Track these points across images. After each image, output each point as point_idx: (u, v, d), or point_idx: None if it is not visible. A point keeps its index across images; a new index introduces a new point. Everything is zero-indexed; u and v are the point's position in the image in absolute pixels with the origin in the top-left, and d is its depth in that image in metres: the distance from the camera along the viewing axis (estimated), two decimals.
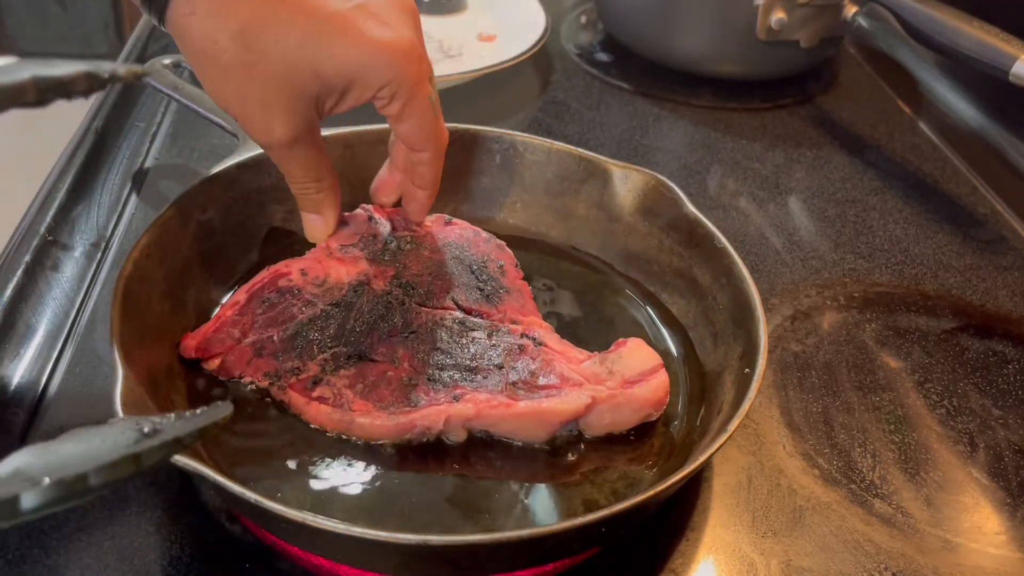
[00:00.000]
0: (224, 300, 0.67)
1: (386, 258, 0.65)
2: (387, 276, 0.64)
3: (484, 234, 0.69)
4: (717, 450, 0.52)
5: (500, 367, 0.59)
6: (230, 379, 0.60)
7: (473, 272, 0.66)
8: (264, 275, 0.63)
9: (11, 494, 0.32)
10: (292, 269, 0.63)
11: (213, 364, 0.60)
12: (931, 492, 0.62)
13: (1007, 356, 0.74)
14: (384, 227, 0.68)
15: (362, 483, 0.55)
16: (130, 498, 0.56)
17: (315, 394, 0.57)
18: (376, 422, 0.56)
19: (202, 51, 0.54)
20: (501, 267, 0.67)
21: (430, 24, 1.15)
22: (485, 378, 0.58)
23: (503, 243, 0.69)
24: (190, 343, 0.60)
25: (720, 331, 0.64)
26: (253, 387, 0.59)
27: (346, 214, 0.69)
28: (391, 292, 0.62)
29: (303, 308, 0.61)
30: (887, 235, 0.88)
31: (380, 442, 0.56)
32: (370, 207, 0.69)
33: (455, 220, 0.70)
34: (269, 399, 0.59)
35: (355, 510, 0.53)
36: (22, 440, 0.59)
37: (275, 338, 0.60)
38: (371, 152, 0.75)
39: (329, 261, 0.64)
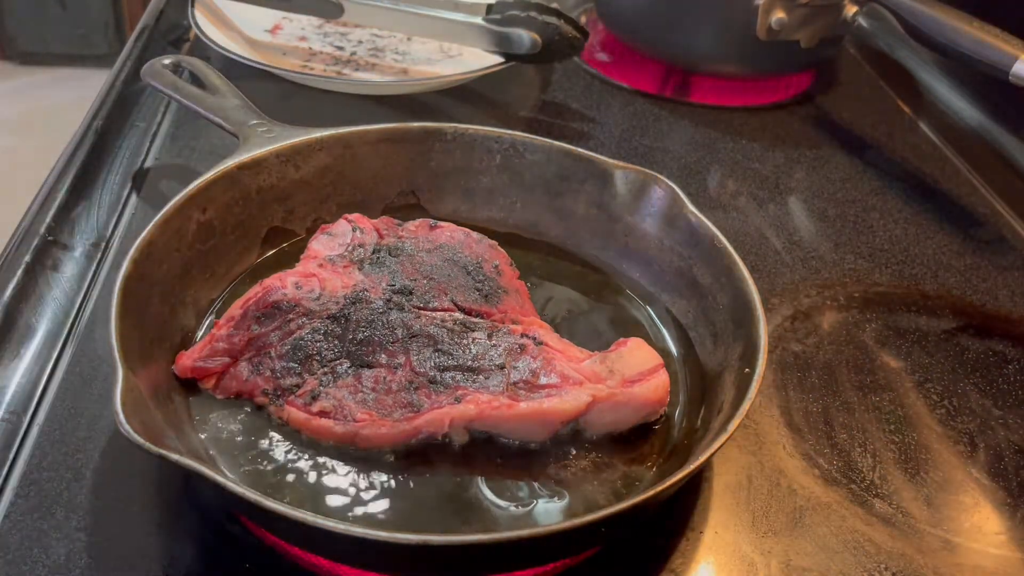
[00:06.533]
0: (223, 299, 0.67)
1: (377, 266, 0.65)
2: (382, 284, 0.63)
3: (475, 235, 0.69)
4: (717, 450, 0.52)
5: (501, 367, 0.59)
6: (228, 398, 0.59)
7: (469, 273, 0.66)
8: (257, 290, 0.62)
9: None
10: (285, 282, 0.62)
11: (209, 384, 0.59)
12: (931, 492, 0.62)
13: (1007, 356, 0.74)
14: (370, 236, 0.68)
15: (362, 483, 0.55)
16: (130, 498, 0.56)
17: (316, 408, 0.57)
18: (381, 431, 0.56)
19: None
20: (497, 267, 0.67)
21: None
22: (487, 378, 0.58)
23: (495, 243, 0.69)
24: (186, 363, 0.59)
25: (720, 331, 0.64)
26: (250, 408, 0.59)
27: (330, 225, 0.69)
28: (389, 299, 0.62)
29: (300, 322, 0.60)
30: (887, 235, 0.88)
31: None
32: (353, 218, 0.69)
33: (440, 223, 0.70)
34: (268, 417, 0.58)
35: (355, 510, 0.53)
36: (22, 440, 0.59)
37: (272, 354, 0.59)
38: (371, 152, 0.75)
39: (321, 273, 0.64)
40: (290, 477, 0.54)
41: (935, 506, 0.61)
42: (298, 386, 0.58)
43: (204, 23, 1.00)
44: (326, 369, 0.59)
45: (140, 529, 0.54)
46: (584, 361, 0.60)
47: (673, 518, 0.58)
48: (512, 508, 0.54)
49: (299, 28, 1.11)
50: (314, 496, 0.54)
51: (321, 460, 0.56)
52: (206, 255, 0.66)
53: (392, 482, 0.55)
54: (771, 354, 0.71)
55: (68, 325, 0.68)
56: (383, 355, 0.59)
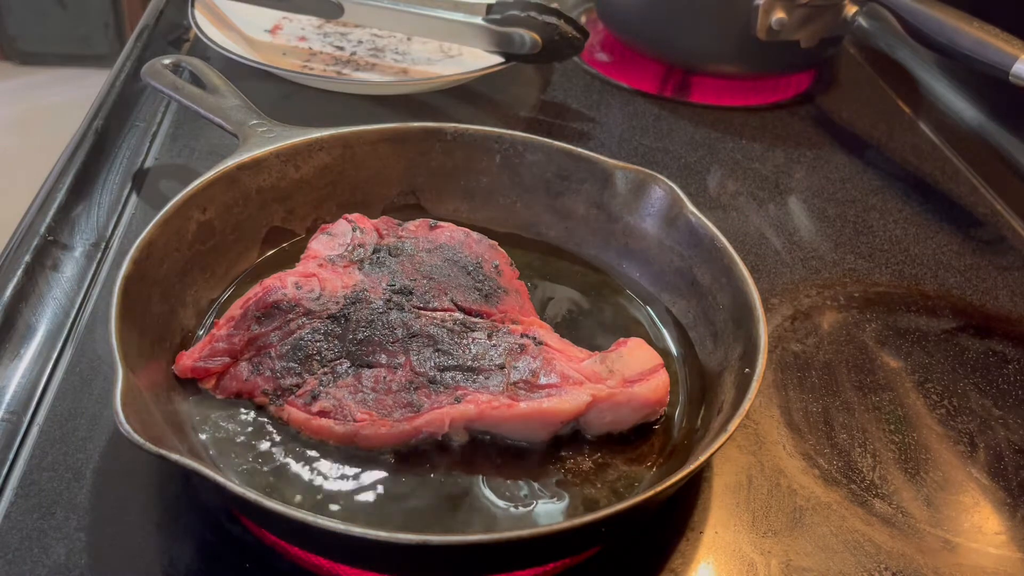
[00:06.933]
0: (223, 299, 0.67)
1: (377, 266, 0.65)
2: (382, 284, 0.63)
3: (475, 235, 0.69)
4: (717, 450, 0.52)
5: (501, 367, 0.59)
6: (228, 398, 0.59)
7: (469, 273, 0.66)
8: (257, 290, 0.62)
9: None
10: (285, 282, 0.62)
11: (210, 384, 0.59)
12: (931, 492, 0.62)
13: (1007, 356, 0.74)
14: (370, 236, 0.68)
15: (362, 483, 0.55)
16: (130, 498, 0.56)
17: (315, 408, 0.57)
18: (381, 431, 0.56)
19: None
20: (497, 267, 0.67)
21: None
22: (487, 378, 0.58)
23: (495, 243, 0.69)
24: (186, 363, 0.59)
25: (720, 331, 0.64)
26: (250, 408, 0.58)
27: (330, 225, 0.69)
28: (390, 299, 0.62)
29: (300, 322, 0.60)
30: (887, 235, 0.88)
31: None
32: (353, 218, 0.69)
33: (440, 223, 0.70)
34: (268, 417, 0.58)
35: (355, 510, 0.53)
36: (22, 440, 0.59)
37: (272, 354, 0.59)
38: (371, 152, 0.75)
39: (321, 273, 0.64)
40: (290, 477, 0.54)
41: (935, 506, 0.61)
42: (298, 386, 0.58)
43: (204, 23, 1.00)
44: (326, 369, 0.59)
45: (140, 529, 0.54)
46: (584, 361, 0.60)
47: (673, 518, 0.58)
48: (512, 508, 0.54)
49: (299, 28, 1.11)
50: (314, 496, 0.54)
51: (321, 460, 0.56)
52: (206, 255, 0.66)
53: (392, 482, 0.55)
54: (771, 354, 0.71)
55: (68, 325, 0.68)
56: (383, 355, 0.59)
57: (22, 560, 0.52)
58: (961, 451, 0.65)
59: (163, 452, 0.46)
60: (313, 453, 0.56)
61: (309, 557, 0.52)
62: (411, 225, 0.70)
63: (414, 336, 0.60)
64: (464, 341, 0.60)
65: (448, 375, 0.58)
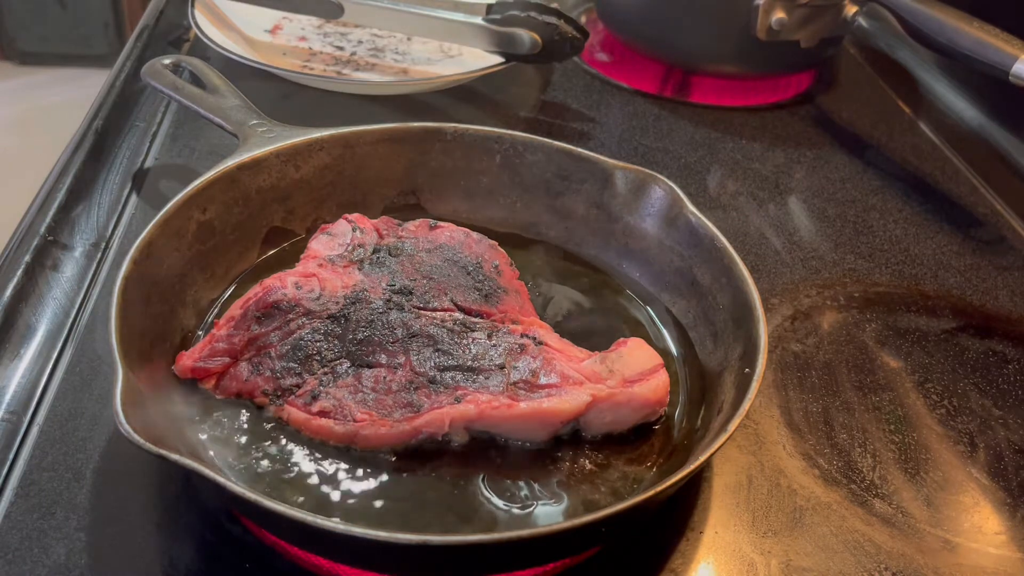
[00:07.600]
0: (223, 299, 0.67)
1: (377, 266, 0.65)
2: (381, 284, 0.63)
3: (475, 235, 0.69)
4: (717, 450, 0.52)
5: (501, 367, 0.59)
6: (228, 398, 0.59)
7: (469, 273, 0.66)
8: (257, 290, 0.62)
9: None
10: (285, 282, 0.62)
11: (209, 384, 0.59)
12: (931, 492, 0.62)
13: (1007, 356, 0.74)
14: (370, 236, 0.68)
15: (362, 483, 0.55)
16: (130, 498, 0.56)
17: (315, 408, 0.57)
18: (381, 431, 0.56)
19: None
20: (496, 267, 0.67)
21: None
22: (487, 378, 0.58)
23: (495, 243, 0.69)
24: (186, 363, 0.59)
25: (720, 331, 0.64)
26: (250, 408, 0.58)
27: (330, 225, 0.69)
28: (389, 299, 0.62)
29: (300, 322, 0.60)
30: (887, 235, 0.88)
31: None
32: (353, 218, 0.69)
33: (440, 223, 0.70)
34: (268, 417, 0.58)
35: (355, 510, 0.53)
36: (22, 440, 0.59)
37: (272, 354, 0.59)
38: (371, 152, 0.75)
39: (321, 273, 0.64)
40: (290, 477, 0.54)
41: (935, 506, 0.61)
42: (298, 386, 0.58)
43: (204, 23, 1.00)
44: (326, 369, 0.59)
45: (140, 529, 0.54)
46: (584, 361, 0.60)
47: (673, 518, 0.58)
48: (512, 508, 0.54)
49: (299, 28, 1.11)
50: (314, 496, 0.54)
51: (321, 460, 0.56)
52: (206, 255, 0.66)
53: (392, 482, 0.55)
54: (771, 354, 0.71)
55: (68, 325, 0.68)
56: (383, 355, 0.59)
57: (22, 560, 0.52)
58: (961, 451, 0.65)
59: (163, 452, 0.46)
60: (313, 453, 0.56)
61: (309, 557, 0.52)
62: (411, 225, 0.70)
63: (414, 336, 0.60)
64: (464, 341, 0.60)
65: (448, 375, 0.58)
